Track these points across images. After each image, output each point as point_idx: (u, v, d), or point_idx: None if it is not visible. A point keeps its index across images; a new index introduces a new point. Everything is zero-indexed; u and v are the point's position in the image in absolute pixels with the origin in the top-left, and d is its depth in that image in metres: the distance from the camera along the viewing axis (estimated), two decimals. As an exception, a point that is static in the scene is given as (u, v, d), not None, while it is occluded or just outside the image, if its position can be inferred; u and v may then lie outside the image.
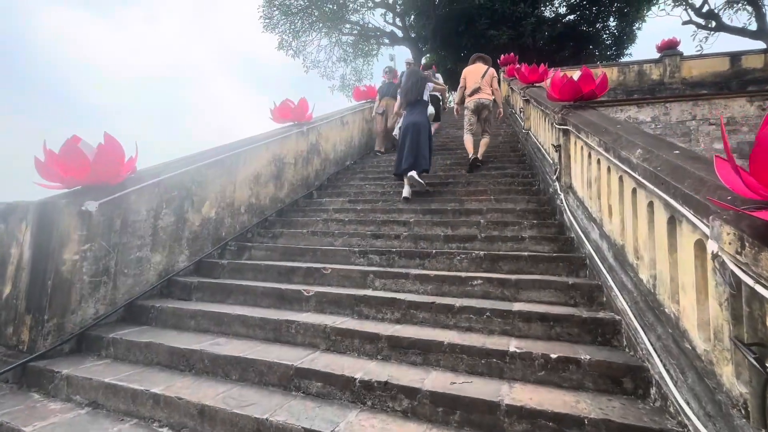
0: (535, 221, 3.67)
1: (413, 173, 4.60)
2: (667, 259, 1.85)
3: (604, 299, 2.47)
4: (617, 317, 2.19)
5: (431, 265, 3.16)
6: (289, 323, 2.47)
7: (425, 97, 5.12)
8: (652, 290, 1.98)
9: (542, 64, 6.56)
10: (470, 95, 5.59)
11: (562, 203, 3.66)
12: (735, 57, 10.60)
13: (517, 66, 9.57)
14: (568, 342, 2.18)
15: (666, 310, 1.84)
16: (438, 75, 8.54)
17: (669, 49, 10.98)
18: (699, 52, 13.26)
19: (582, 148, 3.29)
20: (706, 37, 15.24)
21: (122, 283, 2.95)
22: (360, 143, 7.26)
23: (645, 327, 1.94)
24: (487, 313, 2.36)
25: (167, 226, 3.32)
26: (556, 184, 3.92)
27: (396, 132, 6.39)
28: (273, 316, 2.57)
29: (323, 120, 5.98)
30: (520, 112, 7.03)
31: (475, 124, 5.62)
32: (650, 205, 2.02)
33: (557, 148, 3.91)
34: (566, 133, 3.75)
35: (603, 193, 2.75)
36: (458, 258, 3.11)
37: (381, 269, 3.07)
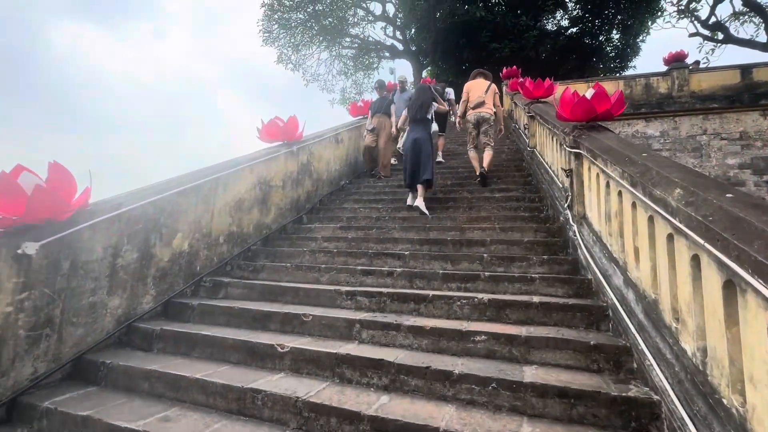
0: (545, 256, 3.27)
1: (419, 204, 4.66)
2: (724, 334, 1.44)
3: (634, 365, 2.05)
4: (655, 397, 1.77)
5: (427, 311, 2.75)
6: (255, 393, 2.06)
7: (429, 116, 5.19)
8: (702, 368, 1.57)
9: (547, 79, 6.22)
10: (473, 108, 5.66)
11: (575, 236, 3.26)
12: (746, 69, 10.26)
13: (521, 80, 9.27)
14: (593, 427, 1.76)
15: (725, 402, 1.42)
16: (449, 90, 8.12)
17: (677, 61, 10.67)
18: (705, 65, 12.93)
19: (598, 175, 2.90)
20: (713, 50, 14.97)
21: (70, 334, 2.55)
22: (356, 161, 6.90)
23: (696, 420, 1.52)
24: (493, 384, 1.95)
25: (129, 264, 2.93)
26: (568, 213, 3.53)
27: (400, 145, 6.86)
28: (238, 381, 2.16)
29: (315, 138, 5.63)
30: (525, 128, 6.67)
31: (476, 138, 5.71)
32: (695, 258, 1.62)
33: (568, 173, 3.53)
34: (578, 157, 3.37)
35: (627, 232, 2.35)
36: (458, 303, 2.70)
37: (369, 317, 2.67)
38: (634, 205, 2.25)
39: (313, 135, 5.68)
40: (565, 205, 3.57)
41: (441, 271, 3.16)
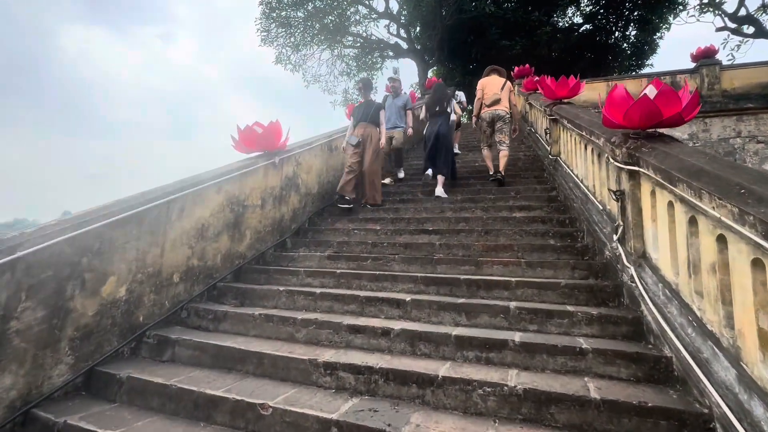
0: (592, 310, 2.44)
1: (440, 192, 5.11)
2: None
3: None
4: None
5: (436, 400, 1.95)
6: None
7: (448, 109, 5.69)
8: None
9: (572, 76, 5.39)
10: (488, 106, 5.51)
11: (633, 282, 2.43)
12: (784, 66, 9.32)
13: (536, 78, 8.43)
14: None
15: None
16: (459, 93, 8.10)
17: (706, 57, 9.76)
18: (730, 62, 11.96)
19: (672, 204, 2.09)
20: (739, 45, 13.97)
21: (-75, 439, 1.79)
22: (334, 183, 5.89)
23: None
24: None
25: (29, 328, 2.17)
26: (618, 248, 2.70)
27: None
28: None
29: (304, 146, 4.85)
30: (546, 133, 5.84)
31: (490, 136, 5.57)
32: None
33: (617, 195, 2.70)
34: (634, 176, 2.55)
35: (742, 302, 1.53)
36: (480, 392, 1.89)
37: (353, 411, 1.87)
38: (759, 263, 1.44)
39: (301, 142, 4.90)
40: (615, 238, 2.75)
41: (453, 332, 2.35)
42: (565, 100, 5.40)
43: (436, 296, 2.88)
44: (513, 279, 2.88)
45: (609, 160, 2.95)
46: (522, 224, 3.97)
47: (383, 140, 5.26)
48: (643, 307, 2.29)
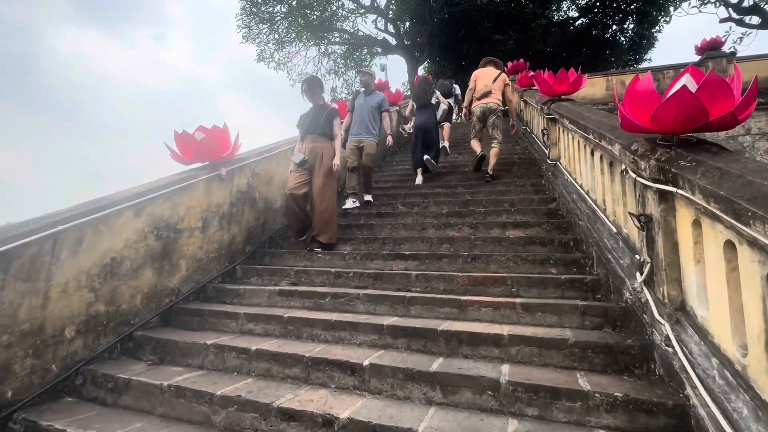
0: (616, 390, 1.76)
1: (426, 156, 5.34)
2: None
3: None
4: None
5: None
6: None
7: (434, 101, 5.78)
8: None
9: (572, 69, 4.72)
10: (479, 98, 5.23)
11: (670, 346, 1.76)
12: (795, 58, 8.71)
13: (531, 73, 7.77)
14: None
15: None
16: (455, 86, 7.33)
17: (712, 49, 9.14)
18: (731, 51, 11.31)
19: (733, 245, 1.42)
20: (741, 38, 13.36)
21: None
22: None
23: None
24: None
25: None
26: (645, 292, 2.03)
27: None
28: None
29: (262, 153, 4.16)
30: (543, 134, 5.17)
31: (480, 131, 5.29)
32: None
33: (642, 221, 2.03)
34: (666, 197, 1.88)
35: None
36: None
37: None
38: None
39: (260, 149, 4.20)
40: (639, 278, 2.07)
41: (422, 423, 1.67)
42: (565, 97, 4.74)
43: (405, 353, 2.20)
44: (506, 330, 2.20)
45: (627, 172, 2.28)
46: (517, 247, 3.30)
47: (338, 160, 3.88)
48: (688, 389, 1.61)
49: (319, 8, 14.49)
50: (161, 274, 2.94)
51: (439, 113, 5.90)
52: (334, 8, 14.88)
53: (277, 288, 3.07)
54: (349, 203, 4.71)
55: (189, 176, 3.25)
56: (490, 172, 5.08)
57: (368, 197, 4.91)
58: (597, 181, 3.08)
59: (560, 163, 4.48)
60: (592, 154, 3.22)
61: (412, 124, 5.97)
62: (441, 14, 13.64)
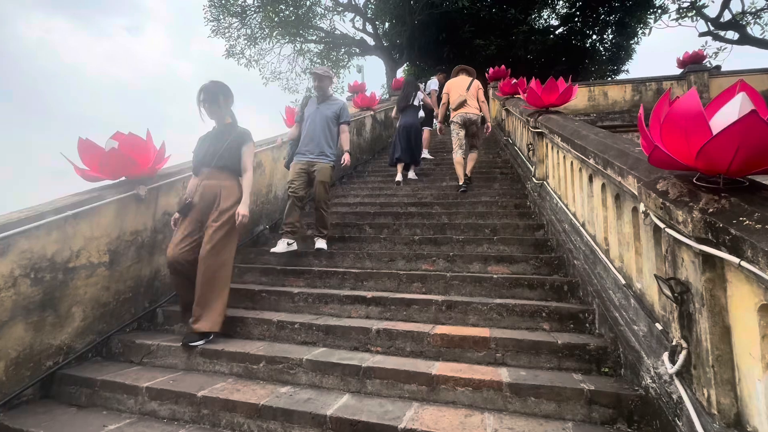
0: None
1: (411, 174, 5.72)
2: None
3: None
4: None
5: None
6: None
7: (416, 103, 5.94)
8: None
9: (560, 79, 4.24)
10: (455, 109, 5.07)
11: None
12: (776, 74, 8.63)
13: (514, 80, 7.33)
14: None
15: None
16: (431, 82, 7.49)
17: (694, 63, 8.97)
18: (716, 66, 11.28)
19: None
20: (716, 53, 13.46)
21: None
22: (254, 213, 4.07)
23: None
24: None
25: None
26: (677, 387, 1.49)
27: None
28: None
29: (202, 166, 3.46)
30: (528, 149, 4.68)
31: (464, 140, 5.05)
32: None
33: (676, 291, 1.49)
34: (713, 264, 1.35)
35: None
36: None
37: None
38: None
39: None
40: (670, 369, 1.53)
41: None
42: (553, 109, 4.26)
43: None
44: (490, 424, 1.62)
45: (647, 216, 1.75)
46: (501, 289, 2.75)
47: (245, 208, 2.60)
48: None
49: (293, 3, 13.73)
50: (41, 330, 2.22)
51: (420, 114, 6.13)
52: (309, 4, 14.15)
53: (203, 341, 2.40)
54: (281, 245, 3.43)
55: (91, 198, 2.54)
56: (468, 174, 4.99)
57: (321, 243, 3.58)
58: (597, 213, 2.57)
59: (548, 183, 3.99)
60: (591, 180, 2.72)
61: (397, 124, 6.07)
62: (421, 16, 13.14)
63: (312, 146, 3.61)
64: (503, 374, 1.94)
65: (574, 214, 3.08)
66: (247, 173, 2.73)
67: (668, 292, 1.51)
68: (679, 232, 1.46)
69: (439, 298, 2.64)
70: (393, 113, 6.45)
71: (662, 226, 1.59)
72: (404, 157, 5.59)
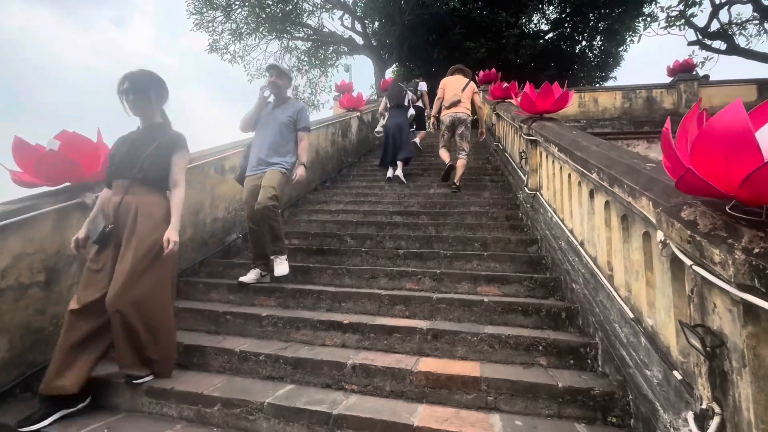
0: None
1: (399, 174, 5.52)
2: None
3: None
4: None
5: None
6: None
7: (405, 103, 5.92)
8: None
9: (555, 83, 4.01)
10: (447, 107, 5.08)
11: None
12: (764, 85, 8.64)
13: (505, 84, 7.12)
14: None
15: None
16: (421, 84, 7.43)
17: (684, 72, 8.92)
18: (704, 75, 11.33)
19: None
20: (703, 62, 13.57)
21: None
22: (226, 221, 3.85)
23: None
24: None
25: None
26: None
27: (379, 128, 6.53)
28: None
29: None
30: (521, 157, 4.45)
31: (450, 141, 5.11)
32: None
33: (711, 346, 1.24)
34: (757, 318, 1.10)
35: None
36: None
37: None
38: None
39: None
40: (696, 433, 1.28)
41: None
42: (548, 116, 4.03)
43: None
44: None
45: (667, 247, 1.50)
46: (493, 315, 2.48)
47: (175, 234, 2.08)
48: None
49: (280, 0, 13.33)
50: (-49, 367, 1.87)
51: (409, 113, 6.08)
52: (297, 1, 13.77)
53: (150, 379, 2.07)
54: (251, 275, 2.96)
55: (22, 208, 2.19)
56: (457, 183, 4.92)
57: (280, 268, 2.95)
58: (599, 234, 2.33)
59: (541, 195, 3.76)
60: (592, 196, 2.47)
61: (383, 123, 6.16)
62: (411, 16, 12.89)
63: (263, 156, 3.02)
64: (496, 425, 1.67)
65: (571, 231, 2.84)
66: (177, 189, 2.16)
67: (697, 344, 1.25)
68: (712, 273, 1.21)
69: (424, 325, 2.36)
70: (380, 108, 6.42)
71: (687, 262, 1.33)
72: (394, 158, 5.64)
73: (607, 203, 2.23)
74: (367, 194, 5.27)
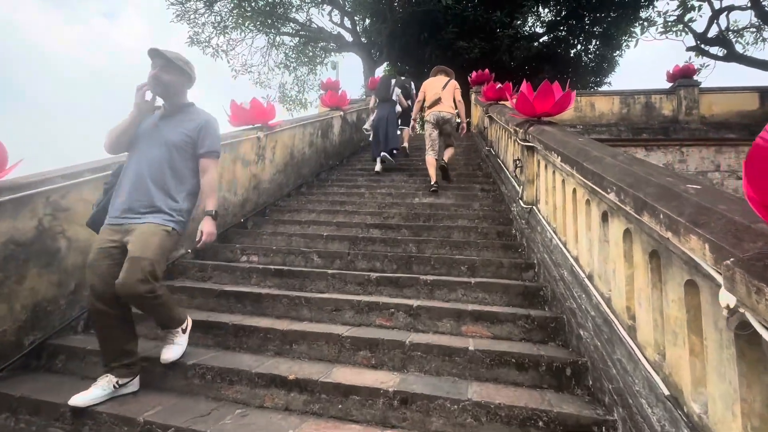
0: None
1: (385, 155, 5.68)
2: None
3: None
4: None
5: None
6: None
7: (394, 97, 6.05)
8: None
9: (555, 83, 3.52)
10: (429, 107, 5.05)
11: None
12: (765, 93, 8.30)
13: (498, 84, 6.64)
14: None
15: None
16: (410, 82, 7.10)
17: (684, 77, 8.55)
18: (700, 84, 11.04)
19: None
20: (700, 69, 13.27)
21: None
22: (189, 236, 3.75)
23: None
24: None
25: None
26: None
27: (367, 125, 6.58)
28: None
29: (83, 175, 2.54)
30: (515, 165, 3.95)
31: (437, 140, 4.98)
32: None
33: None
34: None
35: None
36: None
37: None
38: None
39: (73, 168, 2.57)
40: None
41: None
42: (546, 119, 3.54)
43: None
44: None
45: (737, 314, 1.00)
46: (479, 368, 1.96)
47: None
48: None
49: (267, -8, 12.74)
50: None
51: (397, 109, 6.07)
52: (287, -5, 13.19)
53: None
54: (95, 392, 1.79)
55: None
56: (445, 161, 5.01)
57: (173, 350, 1.99)
58: (615, 269, 1.83)
59: (538, 210, 3.26)
60: (605, 219, 1.98)
61: (372, 119, 6.17)
62: (403, 13, 12.39)
63: (137, 196, 1.90)
64: None
65: (576, 259, 2.34)
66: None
67: None
68: None
69: (392, 383, 1.83)
70: (371, 104, 6.60)
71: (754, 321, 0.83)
72: (383, 149, 5.71)
73: (627, 231, 1.73)
74: (345, 202, 4.73)
